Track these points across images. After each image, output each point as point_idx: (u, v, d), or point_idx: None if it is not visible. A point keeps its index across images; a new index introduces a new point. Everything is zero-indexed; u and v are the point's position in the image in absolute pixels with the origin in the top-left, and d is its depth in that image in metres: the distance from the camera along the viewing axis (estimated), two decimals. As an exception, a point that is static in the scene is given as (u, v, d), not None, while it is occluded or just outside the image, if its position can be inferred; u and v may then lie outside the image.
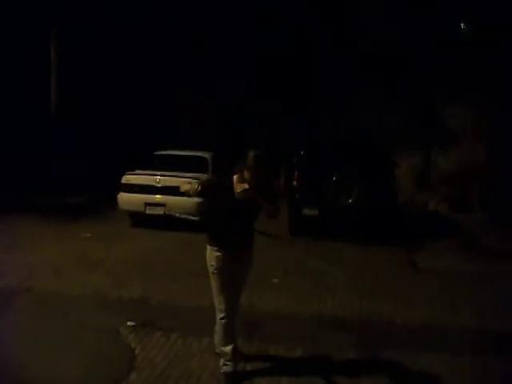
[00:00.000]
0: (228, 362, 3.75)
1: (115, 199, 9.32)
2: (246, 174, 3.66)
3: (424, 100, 13.00)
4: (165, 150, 10.21)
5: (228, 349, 3.74)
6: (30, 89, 13.26)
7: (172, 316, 4.91)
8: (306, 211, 8.56)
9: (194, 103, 13.84)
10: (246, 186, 3.60)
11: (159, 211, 8.89)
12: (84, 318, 4.81)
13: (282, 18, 13.39)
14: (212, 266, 3.75)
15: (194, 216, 8.52)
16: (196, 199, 7.83)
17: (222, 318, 3.74)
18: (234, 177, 3.74)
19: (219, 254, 3.73)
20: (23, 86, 13.21)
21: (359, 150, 8.90)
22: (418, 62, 12.75)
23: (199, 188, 3.69)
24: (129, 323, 4.66)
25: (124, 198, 9.17)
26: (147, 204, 8.95)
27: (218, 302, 3.75)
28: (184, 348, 4.25)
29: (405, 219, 9.69)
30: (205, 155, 9.85)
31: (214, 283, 3.76)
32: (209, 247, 3.81)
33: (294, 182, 8.76)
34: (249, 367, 3.96)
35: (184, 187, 3.89)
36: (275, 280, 6.29)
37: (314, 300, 5.60)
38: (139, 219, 9.26)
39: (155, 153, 10.10)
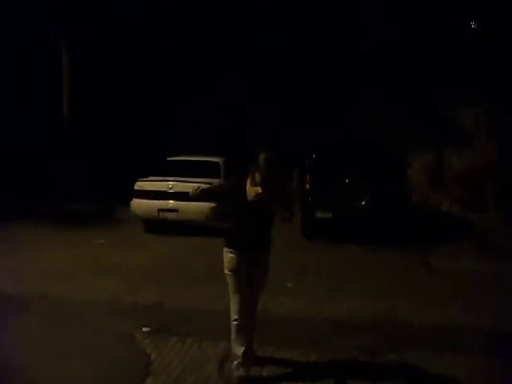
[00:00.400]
0: (240, 366, 3.74)
1: (123, 201, 9.36)
2: (258, 177, 3.68)
3: (424, 100, 13.01)
4: (174, 155, 10.21)
5: (239, 351, 3.74)
6: (29, 89, 13.21)
7: (187, 321, 4.89)
8: (320, 214, 8.54)
9: (194, 103, 13.82)
10: (260, 191, 3.62)
11: (172, 217, 8.94)
12: (99, 323, 4.80)
13: (282, 17, 13.38)
14: (226, 267, 3.77)
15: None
16: (208, 204, 7.97)
17: (234, 320, 3.76)
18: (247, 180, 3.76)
19: (233, 255, 3.75)
20: (23, 86, 13.15)
21: (371, 151, 8.91)
22: (418, 62, 12.77)
23: (199, 190, 3.81)
24: (144, 329, 4.65)
25: (137, 204, 9.23)
26: (160, 210, 8.98)
27: (232, 304, 3.77)
28: (199, 353, 4.23)
29: (418, 219, 9.63)
30: (217, 160, 9.86)
31: (229, 284, 3.78)
32: (224, 249, 3.84)
33: (307, 185, 8.74)
34: (263, 371, 3.94)
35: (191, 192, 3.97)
36: (289, 284, 6.27)
37: (328, 303, 5.59)
38: (153, 225, 9.31)
39: (167, 159, 10.10)
